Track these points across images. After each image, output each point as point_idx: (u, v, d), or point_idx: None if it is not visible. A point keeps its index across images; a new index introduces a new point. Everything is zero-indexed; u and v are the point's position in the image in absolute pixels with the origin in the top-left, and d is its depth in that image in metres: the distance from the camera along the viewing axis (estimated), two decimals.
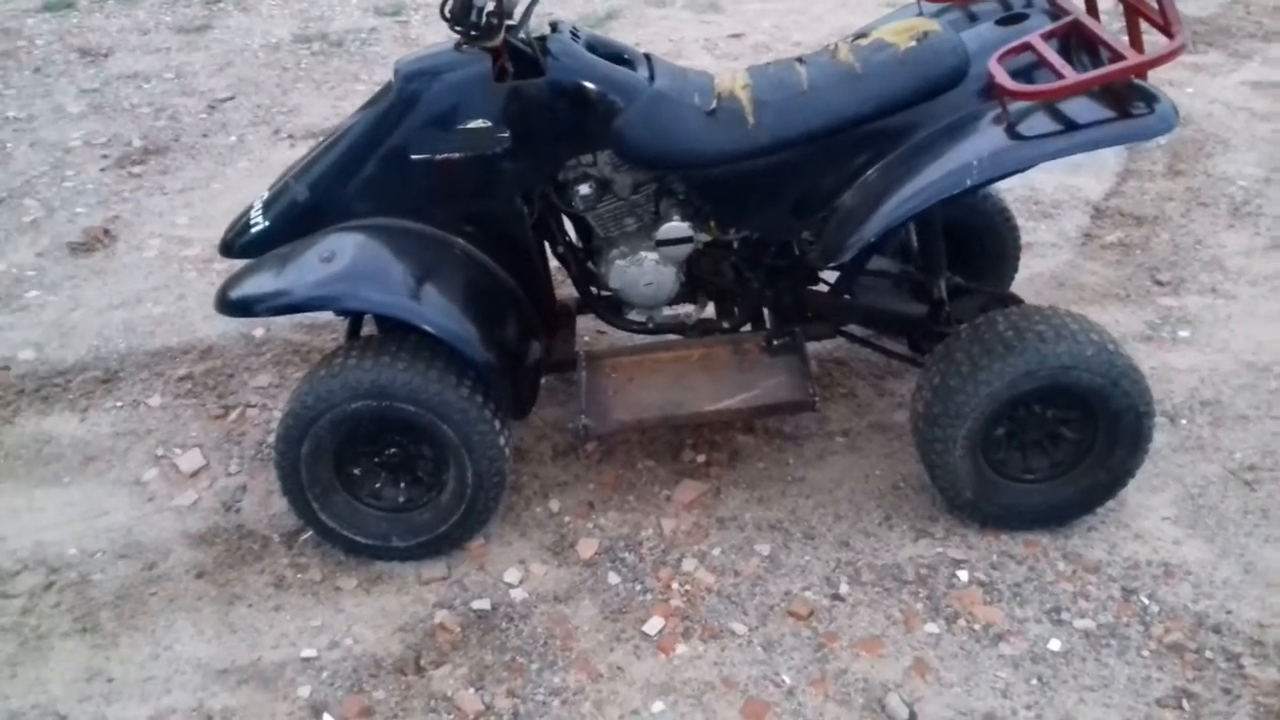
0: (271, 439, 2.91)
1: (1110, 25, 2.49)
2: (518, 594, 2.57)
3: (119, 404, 3.28)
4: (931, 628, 2.42)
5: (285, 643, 2.49)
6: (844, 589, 2.53)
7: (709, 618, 2.48)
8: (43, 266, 3.99)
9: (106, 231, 4.17)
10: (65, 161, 4.73)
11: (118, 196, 4.43)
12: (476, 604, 2.55)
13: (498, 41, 2.41)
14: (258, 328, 3.55)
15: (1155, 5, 2.29)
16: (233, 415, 3.20)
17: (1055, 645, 2.36)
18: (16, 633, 2.55)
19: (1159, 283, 3.57)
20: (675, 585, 2.57)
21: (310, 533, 2.71)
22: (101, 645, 2.51)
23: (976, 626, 2.42)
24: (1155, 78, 2.30)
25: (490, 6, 2.35)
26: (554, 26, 2.55)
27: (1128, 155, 4.32)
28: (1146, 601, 2.45)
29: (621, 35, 5.71)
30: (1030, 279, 3.52)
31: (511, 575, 2.62)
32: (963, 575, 2.54)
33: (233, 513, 2.86)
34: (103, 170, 4.65)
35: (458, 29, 2.42)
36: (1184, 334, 3.31)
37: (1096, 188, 4.16)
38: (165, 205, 4.36)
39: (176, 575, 2.68)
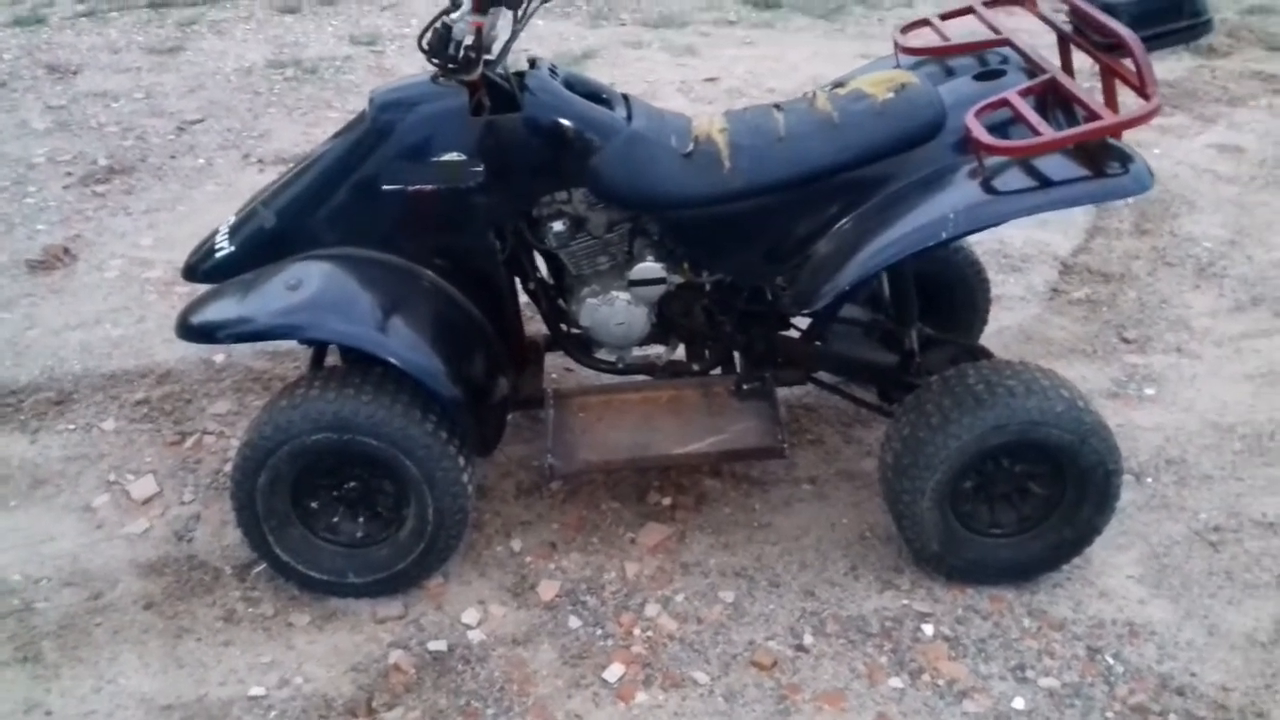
0: (228, 468, 2.85)
1: (1084, 83, 2.51)
2: (475, 635, 2.52)
3: (71, 427, 3.20)
4: (895, 682, 2.39)
5: (233, 679, 2.42)
6: (808, 640, 2.50)
7: (670, 665, 2.44)
8: None
9: (67, 250, 4.10)
10: (28, 178, 4.66)
11: (80, 215, 4.37)
12: (433, 645, 2.49)
13: (475, 75, 2.39)
14: (218, 353, 3.48)
15: (1132, 67, 2.32)
16: (189, 442, 3.14)
17: (1019, 704, 2.33)
18: None
19: (1125, 340, 3.60)
20: (637, 631, 2.52)
21: (263, 565, 2.64)
22: (42, 676, 2.43)
23: (940, 682, 2.39)
24: (1124, 138, 2.32)
25: (469, 40, 2.33)
26: (532, 63, 2.54)
27: (1096, 213, 4.37)
28: (1111, 661, 2.44)
29: (597, 75, 5.70)
30: (998, 331, 3.53)
31: (470, 616, 2.56)
32: (928, 629, 2.51)
33: (184, 542, 2.79)
34: (66, 188, 4.58)
35: (435, 61, 2.40)
36: (1150, 392, 3.33)
37: (1065, 244, 4.19)
38: (129, 226, 4.30)
39: (123, 606, 2.61)
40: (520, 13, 2.40)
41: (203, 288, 2.58)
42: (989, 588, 2.61)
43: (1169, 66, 5.83)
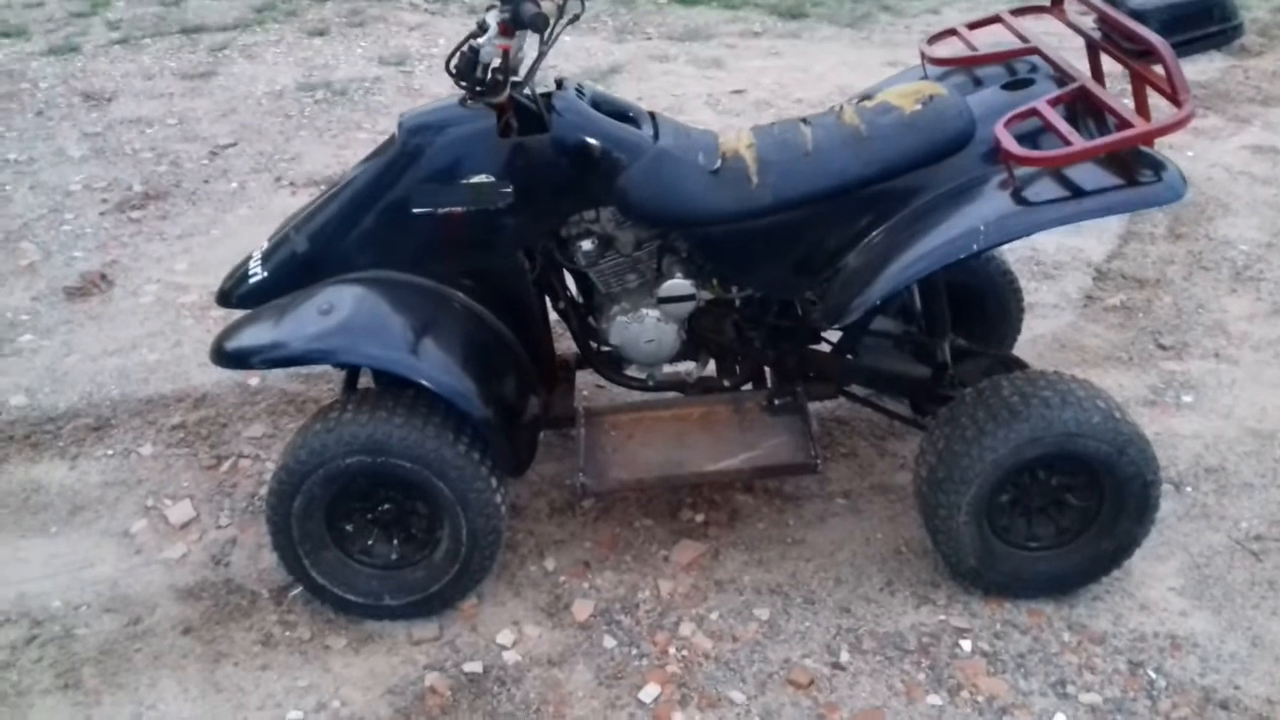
0: (263, 491, 2.87)
1: (1114, 89, 2.49)
2: (510, 656, 2.52)
3: (110, 452, 3.23)
4: (934, 699, 2.37)
5: (271, 703, 2.43)
6: (845, 657, 2.48)
7: (706, 685, 2.43)
8: (38, 310, 3.96)
9: (104, 276, 4.15)
10: (64, 205, 4.72)
11: (116, 241, 4.42)
12: (468, 666, 2.49)
13: (503, 97, 2.40)
14: (253, 377, 3.51)
15: (1162, 73, 2.29)
16: (225, 466, 3.16)
17: None
18: None
19: (1162, 346, 3.55)
20: (672, 650, 2.52)
21: (300, 589, 2.66)
22: (83, 703, 2.45)
23: (980, 699, 2.37)
24: (1156, 142, 2.30)
25: (496, 63, 2.35)
26: (559, 83, 2.55)
27: (1129, 218, 4.32)
28: (1153, 675, 2.40)
29: (624, 89, 5.74)
30: (1032, 340, 3.50)
31: (504, 637, 2.57)
32: (966, 645, 2.49)
33: (221, 566, 2.81)
34: (102, 214, 4.64)
35: (463, 84, 2.41)
36: (1187, 399, 3.29)
37: (1098, 250, 4.15)
38: (164, 251, 4.35)
39: (162, 631, 2.63)
40: (546, 35, 2.41)
41: (237, 313, 2.61)
42: (1027, 602, 2.58)
43: (1201, 68, 5.76)
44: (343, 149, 5.19)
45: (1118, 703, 2.34)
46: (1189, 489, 2.92)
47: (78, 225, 4.56)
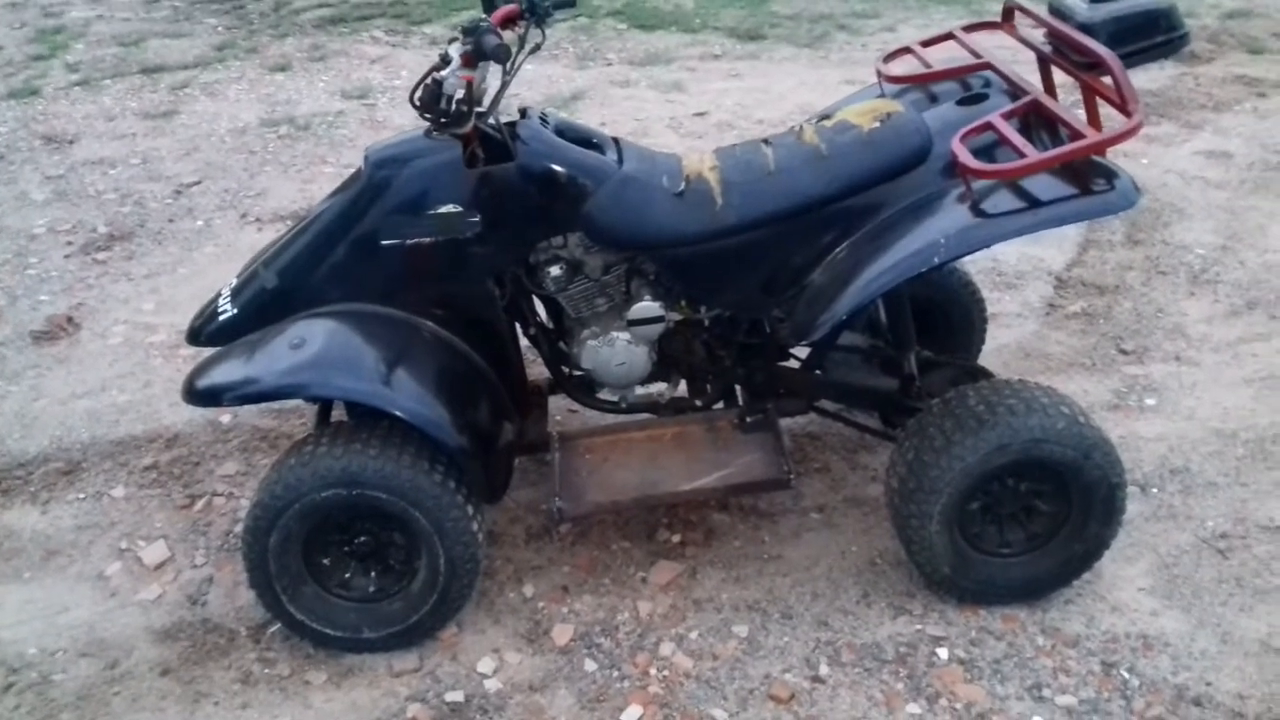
0: (238, 529, 2.86)
1: (1066, 100, 2.54)
2: (492, 684, 2.52)
3: (82, 495, 3.21)
4: (913, 708, 2.39)
5: None
6: (824, 670, 2.50)
7: (688, 704, 2.44)
8: (4, 356, 3.93)
9: (70, 319, 4.13)
10: (29, 249, 4.70)
11: (82, 283, 4.40)
12: (450, 696, 2.49)
13: (468, 128, 2.43)
14: (224, 414, 3.50)
15: (1112, 84, 2.35)
16: (199, 505, 3.15)
17: None
18: None
19: (1123, 351, 3.61)
20: (653, 671, 2.53)
21: (278, 625, 2.65)
22: None
23: (958, 706, 2.39)
24: (1111, 150, 2.35)
25: (460, 94, 2.37)
26: (523, 112, 2.57)
27: (1088, 226, 4.40)
28: (1127, 675, 2.44)
29: (587, 115, 5.78)
30: (997, 349, 3.55)
31: (485, 665, 2.57)
32: (942, 653, 2.52)
33: (198, 606, 2.79)
34: (67, 257, 4.62)
35: (428, 116, 2.43)
36: (1150, 402, 3.35)
37: (1058, 258, 4.22)
38: (131, 292, 4.33)
39: (140, 673, 2.61)
40: (509, 65, 2.43)
41: (207, 351, 2.60)
42: (1001, 608, 2.61)
43: (1152, 75, 5.88)
44: (308, 184, 5.19)
45: (1093, 704, 2.37)
46: (1155, 490, 2.97)
47: (43, 269, 4.53)
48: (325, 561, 2.55)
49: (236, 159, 5.56)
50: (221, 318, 2.60)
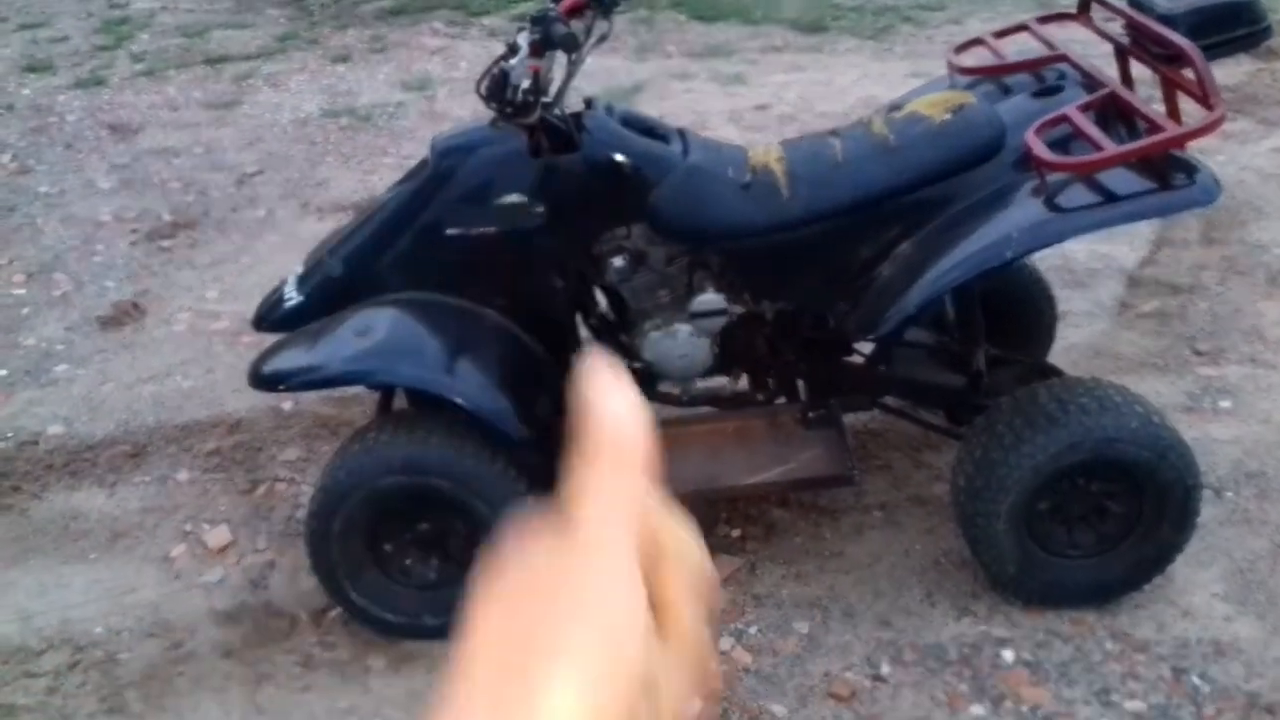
0: (300, 514, 2.88)
1: (1144, 95, 2.49)
2: None
3: (147, 479, 3.26)
4: (977, 710, 2.36)
5: None
6: (886, 669, 2.47)
7: (747, 699, 2.42)
8: (72, 340, 4.00)
9: (135, 305, 4.19)
10: (95, 236, 4.77)
11: (147, 270, 4.46)
12: None
13: (534, 118, 2.42)
14: (286, 401, 3.53)
15: (1193, 77, 2.29)
16: (261, 490, 3.18)
17: None
18: (42, 712, 2.50)
19: (1198, 352, 3.53)
20: (711, 665, 2.50)
21: (338, 610, 2.66)
22: None
23: (1024, 708, 2.35)
24: (1188, 148, 2.29)
25: (527, 84, 2.36)
26: (589, 103, 2.56)
27: (1162, 224, 4.30)
28: (1198, 681, 2.38)
29: (646, 108, 5.73)
30: (1067, 349, 3.48)
31: None
32: (1008, 655, 2.47)
33: (260, 590, 2.82)
34: (132, 244, 4.68)
35: (493, 105, 2.43)
36: (1225, 404, 3.26)
37: (1131, 256, 4.13)
38: (194, 279, 4.38)
39: (203, 654, 2.64)
40: (576, 55, 2.42)
41: (270, 339, 2.62)
42: (1069, 610, 2.56)
43: (1228, 71, 5.72)
44: (369, 174, 5.22)
45: (1162, 709, 2.32)
46: (1229, 494, 2.90)
47: (108, 256, 4.60)
48: (387, 548, 2.56)
49: (298, 149, 5.60)
50: (287, 304, 2.62)
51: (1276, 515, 2.82)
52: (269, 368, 2.46)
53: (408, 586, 2.59)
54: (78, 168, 5.51)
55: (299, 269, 2.71)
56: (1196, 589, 2.61)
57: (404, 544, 2.57)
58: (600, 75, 6.37)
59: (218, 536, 3.00)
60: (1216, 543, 2.74)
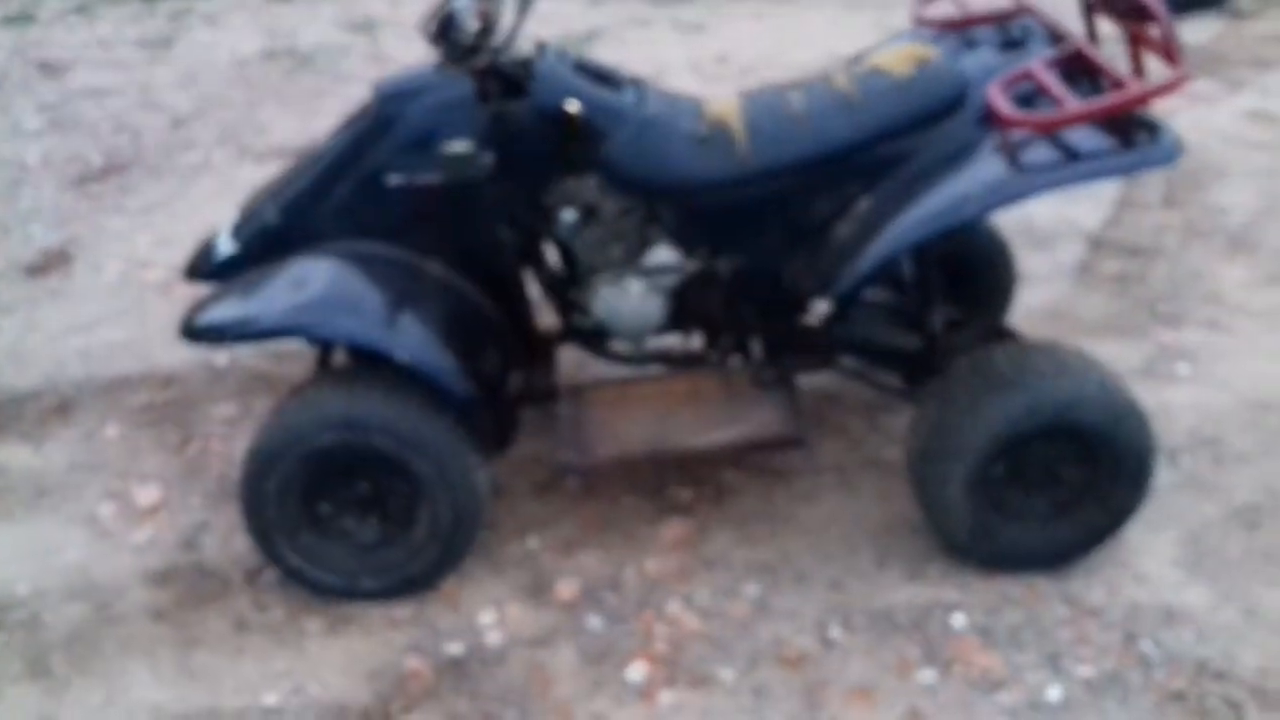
0: (234, 473, 2.78)
1: (1109, 51, 2.44)
2: (493, 637, 2.45)
3: (74, 434, 3.14)
4: (926, 675, 2.33)
5: (246, 689, 2.36)
6: (835, 634, 2.43)
7: (694, 664, 2.38)
8: None
9: (64, 253, 4.04)
10: (22, 180, 4.59)
11: (76, 216, 4.30)
12: (449, 647, 2.43)
13: (482, 62, 2.32)
14: (220, 356, 3.42)
15: (1158, 34, 2.24)
16: (193, 447, 3.07)
17: (1055, 694, 2.27)
18: None
19: (1157, 316, 3.51)
20: (659, 629, 2.46)
21: (273, 571, 2.58)
22: (53, 690, 2.37)
23: (973, 674, 2.33)
24: (1151, 108, 2.24)
25: (475, 26, 2.27)
26: (540, 48, 2.47)
27: (1124, 185, 4.29)
28: (1149, 647, 2.37)
29: (602, 56, 5.62)
30: (1026, 311, 3.44)
31: (486, 617, 2.50)
32: (959, 619, 2.45)
33: (192, 550, 2.73)
34: (61, 189, 4.52)
35: (440, 48, 2.33)
36: (1183, 369, 3.25)
37: (1093, 218, 4.11)
38: (126, 226, 4.23)
39: (132, 616, 2.55)
40: None
41: (206, 288, 2.53)
42: (1021, 575, 2.54)
43: (1195, 31, 5.72)
44: (309, 118, 5.07)
45: (1112, 675, 2.31)
46: (1185, 460, 2.89)
47: (36, 200, 4.43)
48: (324, 508, 2.48)
49: (236, 91, 5.43)
50: (221, 254, 2.53)
51: (1230, 482, 2.81)
52: (202, 320, 2.36)
53: (345, 547, 2.51)
54: (4, 108, 5.31)
55: (235, 217, 2.61)
56: (1149, 554, 2.60)
57: (342, 504, 2.49)
58: (554, 19, 6.23)
59: (148, 495, 2.90)
60: (1170, 508, 2.72)
